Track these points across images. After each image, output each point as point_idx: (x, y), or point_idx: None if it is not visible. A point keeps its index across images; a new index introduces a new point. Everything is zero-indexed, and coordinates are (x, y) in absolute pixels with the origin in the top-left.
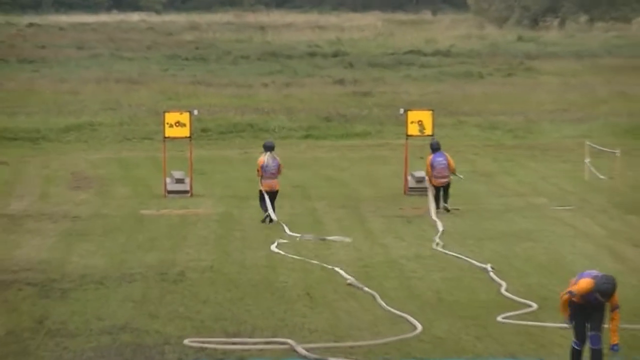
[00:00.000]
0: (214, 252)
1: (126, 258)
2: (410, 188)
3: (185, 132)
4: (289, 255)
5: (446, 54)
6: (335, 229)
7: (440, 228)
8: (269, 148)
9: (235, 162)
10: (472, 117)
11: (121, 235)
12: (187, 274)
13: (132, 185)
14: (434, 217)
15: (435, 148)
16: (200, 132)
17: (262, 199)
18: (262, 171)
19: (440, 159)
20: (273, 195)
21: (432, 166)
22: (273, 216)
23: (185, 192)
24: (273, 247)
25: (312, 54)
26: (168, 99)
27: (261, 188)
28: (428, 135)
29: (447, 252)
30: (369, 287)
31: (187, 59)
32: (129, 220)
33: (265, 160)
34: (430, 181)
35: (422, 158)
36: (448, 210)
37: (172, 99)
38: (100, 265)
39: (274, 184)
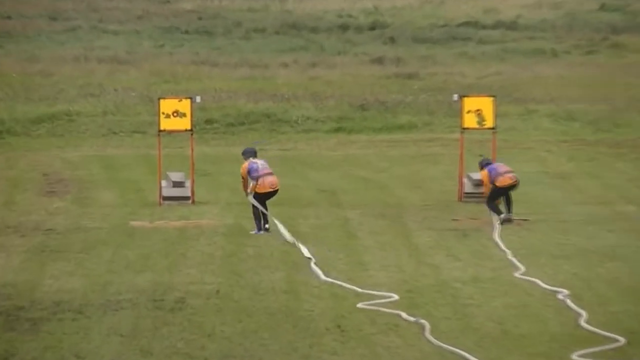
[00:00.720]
0: (220, 273)
1: (112, 280)
2: (467, 194)
3: (185, 123)
4: (321, 277)
5: (511, 26)
6: (372, 244)
7: (505, 249)
8: (250, 154)
9: None
10: (544, 105)
11: (106, 253)
12: (188, 300)
13: (119, 190)
14: (497, 238)
15: (486, 162)
16: (204, 124)
17: (256, 208)
18: (254, 173)
19: (496, 163)
20: (271, 196)
21: (492, 170)
22: (266, 225)
23: (186, 198)
24: (313, 266)
25: (344, 27)
26: (164, 82)
27: (258, 191)
28: (489, 128)
29: (540, 282)
30: (415, 317)
31: (187, 32)
32: (116, 233)
33: (250, 164)
34: (500, 183)
35: (481, 156)
36: (510, 221)
37: (169, 83)
38: (80, 289)
39: (275, 181)
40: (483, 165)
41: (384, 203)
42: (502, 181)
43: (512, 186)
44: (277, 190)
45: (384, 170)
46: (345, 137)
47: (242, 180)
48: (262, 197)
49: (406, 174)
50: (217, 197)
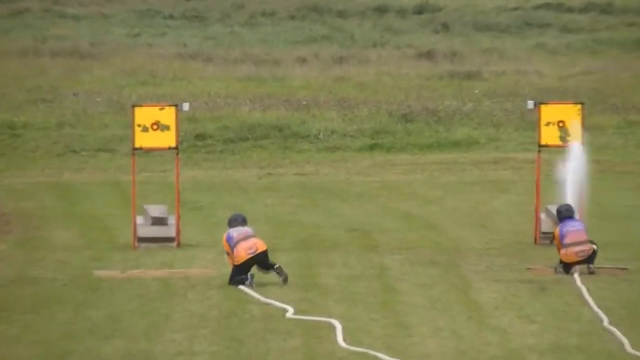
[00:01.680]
0: (215, 339)
1: (71, 348)
2: (544, 234)
3: (168, 139)
4: (352, 349)
5: (605, 9)
6: (419, 300)
7: (596, 308)
8: (237, 222)
9: (251, 189)
10: None
11: (63, 312)
12: None
13: (79, 229)
14: (585, 293)
15: (564, 215)
16: (195, 140)
17: (235, 277)
18: (231, 242)
19: (574, 222)
20: (260, 260)
21: (561, 235)
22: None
23: (169, 239)
24: (340, 340)
25: (381, 10)
26: (140, 83)
27: (236, 263)
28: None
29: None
30: None
31: (171, 17)
32: (75, 287)
33: (228, 233)
34: (563, 257)
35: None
36: (592, 273)
37: (147, 84)
38: (29, 359)
39: (252, 244)
40: (561, 215)
41: (434, 246)
42: (566, 256)
43: (578, 263)
44: (262, 252)
45: (435, 201)
46: (383, 157)
47: (227, 255)
48: (247, 267)
49: (464, 207)
50: (211, 238)
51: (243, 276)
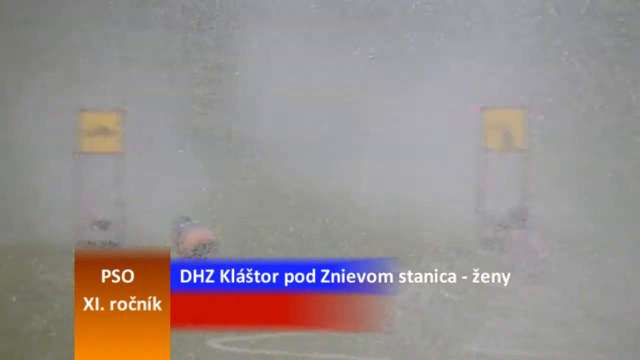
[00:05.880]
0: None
1: (17, 355)
2: (485, 240)
3: (112, 144)
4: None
5: None
6: None
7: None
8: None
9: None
10: None
11: (4, 319)
12: None
13: (20, 232)
14: None
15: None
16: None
17: None
18: None
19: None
20: None
21: None
22: None
23: (113, 244)
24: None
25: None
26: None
27: None
28: (518, 151)
29: None
30: None
31: None
32: (17, 290)
33: None
34: None
35: None
36: None
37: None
38: None
39: (207, 233)
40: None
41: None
42: None
43: None
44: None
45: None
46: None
47: None
48: None
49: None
50: (154, 242)
51: None
